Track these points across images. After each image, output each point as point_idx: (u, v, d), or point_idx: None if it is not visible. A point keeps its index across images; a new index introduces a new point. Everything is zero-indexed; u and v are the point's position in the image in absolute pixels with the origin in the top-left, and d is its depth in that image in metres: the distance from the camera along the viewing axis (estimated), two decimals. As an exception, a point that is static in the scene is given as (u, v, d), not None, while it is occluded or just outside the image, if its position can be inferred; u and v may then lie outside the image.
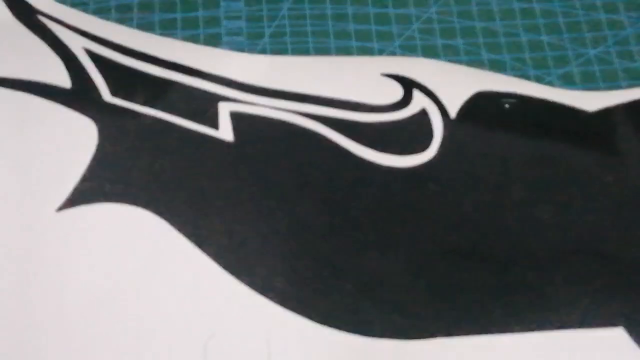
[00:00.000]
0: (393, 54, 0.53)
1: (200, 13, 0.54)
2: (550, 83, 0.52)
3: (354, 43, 0.53)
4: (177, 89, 0.50)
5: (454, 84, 0.51)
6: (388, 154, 0.48)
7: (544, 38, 0.54)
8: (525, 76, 0.52)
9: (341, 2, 0.55)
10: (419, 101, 0.50)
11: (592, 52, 0.54)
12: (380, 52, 0.53)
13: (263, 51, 0.53)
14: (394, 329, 0.43)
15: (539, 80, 0.52)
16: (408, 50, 0.53)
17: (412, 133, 0.49)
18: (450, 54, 0.53)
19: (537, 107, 0.50)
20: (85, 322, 0.42)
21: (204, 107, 0.49)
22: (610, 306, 0.44)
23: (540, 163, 0.48)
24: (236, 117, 0.49)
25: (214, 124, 0.49)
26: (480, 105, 0.50)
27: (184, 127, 0.49)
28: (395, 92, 0.51)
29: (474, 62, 0.53)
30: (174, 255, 0.44)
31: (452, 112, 0.50)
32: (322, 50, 0.53)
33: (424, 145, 0.49)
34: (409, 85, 0.51)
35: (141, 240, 0.44)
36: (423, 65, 0.52)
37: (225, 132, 0.49)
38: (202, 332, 0.42)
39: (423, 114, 0.50)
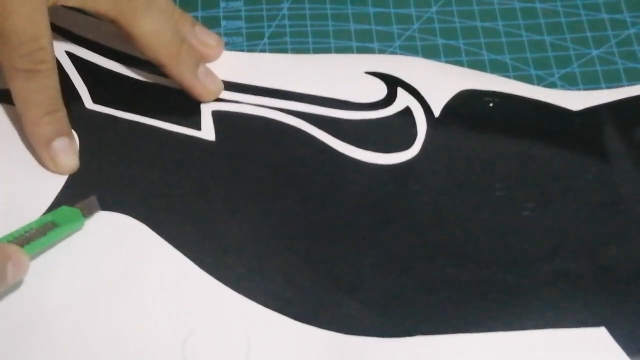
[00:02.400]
0: (394, 53, 0.53)
1: (200, 13, 0.54)
2: (552, 83, 0.52)
3: (354, 43, 0.53)
4: (159, 92, 0.50)
5: (438, 83, 0.51)
6: (371, 151, 0.48)
7: (546, 38, 0.54)
8: (527, 77, 0.52)
9: (341, 1, 0.55)
10: (403, 99, 0.50)
11: (594, 52, 0.53)
12: (381, 52, 0.53)
13: (263, 51, 0.53)
14: (373, 327, 0.42)
15: (540, 80, 0.52)
16: (409, 50, 0.53)
17: (396, 131, 0.49)
18: (451, 55, 0.53)
19: (521, 106, 0.50)
20: (65, 324, 0.42)
21: (186, 108, 0.49)
22: (592, 305, 0.43)
23: (523, 161, 0.48)
24: (218, 116, 0.49)
25: (197, 125, 0.49)
26: (464, 104, 0.50)
27: (166, 130, 0.48)
28: (379, 90, 0.50)
29: (475, 62, 0.53)
30: (154, 257, 0.44)
31: (436, 111, 0.50)
32: (322, 50, 0.53)
33: (407, 143, 0.49)
34: (393, 83, 0.51)
35: (121, 243, 0.44)
36: (407, 63, 0.52)
37: (207, 132, 0.48)
38: (181, 331, 0.42)
39: (407, 112, 0.50)
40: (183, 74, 0.49)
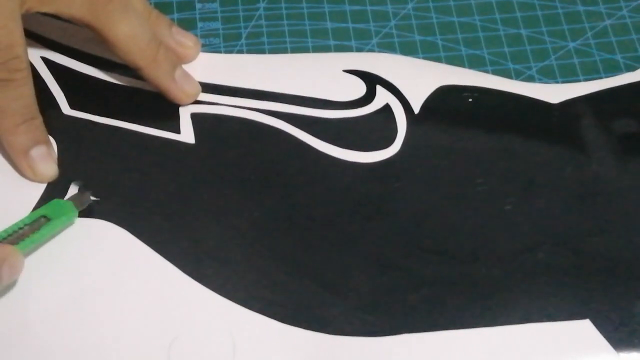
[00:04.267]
0: (372, 50, 0.53)
1: (176, 15, 0.54)
2: (530, 77, 0.52)
3: (331, 42, 0.53)
4: (137, 95, 0.49)
5: (417, 79, 0.51)
6: (352, 150, 0.48)
7: (523, 32, 0.54)
8: (505, 70, 0.52)
9: (317, 0, 0.55)
10: (383, 97, 0.50)
11: (571, 44, 0.54)
12: (359, 50, 0.53)
13: (240, 52, 0.53)
14: (359, 326, 0.42)
15: (518, 74, 0.52)
16: (386, 47, 0.53)
17: (376, 129, 0.49)
18: (429, 51, 0.53)
19: (500, 101, 0.50)
20: (48, 332, 0.41)
21: (164, 111, 0.49)
22: (575, 298, 0.43)
23: (504, 156, 0.48)
24: (197, 119, 0.49)
25: (176, 128, 0.49)
26: (443, 100, 0.50)
27: (145, 134, 0.48)
28: (358, 88, 0.50)
29: (453, 58, 0.53)
30: (136, 263, 0.44)
31: (416, 108, 0.50)
32: (300, 50, 0.53)
33: (387, 141, 0.49)
34: (372, 81, 0.51)
35: (103, 250, 0.44)
36: (385, 60, 0.52)
37: (186, 135, 0.48)
38: (166, 336, 0.41)
39: (386, 109, 0.50)
40: (160, 77, 0.48)
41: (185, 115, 0.49)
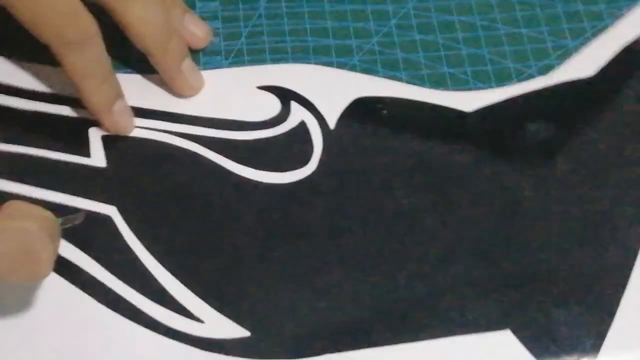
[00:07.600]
0: (372, 50, 0.53)
1: (176, 14, 0.54)
2: (530, 76, 0.52)
3: (331, 41, 0.53)
4: (43, 120, 0.48)
5: (332, 93, 0.50)
6: (268, 171, 0.47)
7: (523, 31, 0.54)
8: (505, 70, 0.52)
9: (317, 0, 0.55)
10: (298, 114, 0.49)
11: (571, 44, 0.54)
12: (359, 49, 0.53)
13: (240, 51, 0.53)
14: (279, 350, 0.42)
15: (518, 73, 0.52)
16: (386, 46, 0.53)
17: (292, 148, 0.48)
18: (429, 50, 0.53)
19: (414, 111, 0.50)
20: None
21: (73, 135, 0.48)
22: (495, 309, 0.43)
23: (420, 168, 0.48)
24: (108, 142, 0.48)
25: (86, 152, 0.47)
26: (358, 113, 0.49)
27: (53, 159, 0.47)
28: (273, 106, 0.50)
29: (453, 57, 0.53)
30: (51, 294, 0.43)
31: (331, 123, 0.49)
32: (301, 49, 0.53)
33: (303, 160, 0.48)
34: (286, 97, 0.50)
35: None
36: (300, 72, 0.51)
37: (97, 158, 0.47)
38: None
39: (302, 127, 0.49)
40: (168, 66, 0.48)
41: (95, 138, 0.48)
